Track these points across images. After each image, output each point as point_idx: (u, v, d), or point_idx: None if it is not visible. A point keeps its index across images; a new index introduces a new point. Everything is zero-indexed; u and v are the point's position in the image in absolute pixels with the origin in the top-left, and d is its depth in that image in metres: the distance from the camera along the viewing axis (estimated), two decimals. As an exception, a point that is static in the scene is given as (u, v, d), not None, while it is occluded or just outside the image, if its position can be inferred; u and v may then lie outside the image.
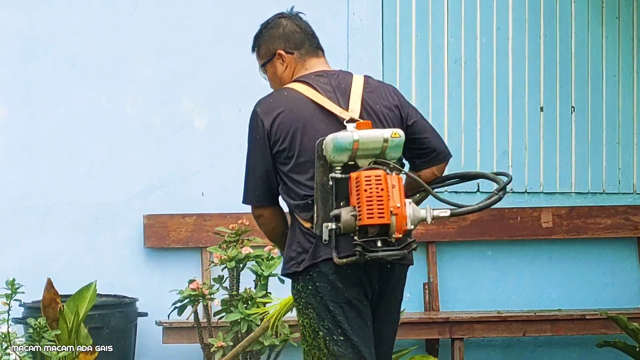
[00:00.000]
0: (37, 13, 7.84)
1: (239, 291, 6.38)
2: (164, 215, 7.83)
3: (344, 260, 4.35)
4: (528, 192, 8.30)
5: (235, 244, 6.42)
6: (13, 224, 7.73)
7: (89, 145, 7.90)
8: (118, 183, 7.86)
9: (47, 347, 6.32)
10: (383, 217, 4.27)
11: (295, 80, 4.75)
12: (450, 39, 8.30)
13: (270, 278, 6.47)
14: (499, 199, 4.61)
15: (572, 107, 8.38)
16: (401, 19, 8.21)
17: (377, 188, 4.28)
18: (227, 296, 6.49)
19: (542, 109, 8.35)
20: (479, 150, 8.28)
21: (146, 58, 7.97)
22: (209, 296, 6.54)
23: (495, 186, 4.69)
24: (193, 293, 6.51)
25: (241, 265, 6.39)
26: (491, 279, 8.24)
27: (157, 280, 7.70)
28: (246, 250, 6.22)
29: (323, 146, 4.37)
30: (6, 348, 6.42)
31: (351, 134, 4.31)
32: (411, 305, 7.82)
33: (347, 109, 4.60)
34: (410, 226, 4.31)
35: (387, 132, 4.38)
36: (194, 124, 7.96)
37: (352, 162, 4.37)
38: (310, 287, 4.53)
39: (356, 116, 4.54)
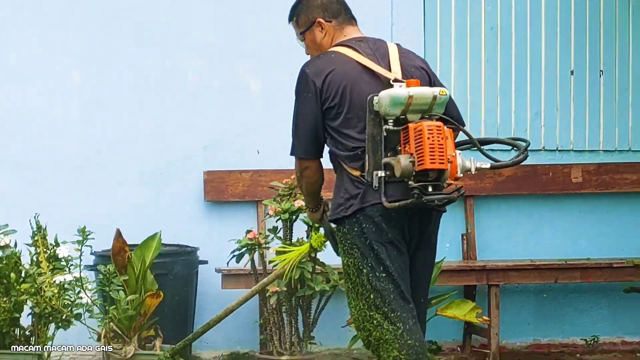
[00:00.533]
0: None
1: (292, 241, 6.44)
2: (223, 172, 7.97)
3: (395, 204, 4.67)
4: (559, 150, 8.42)
5: (288, 197, 6.52)
6: (85, 178, 7.88)
7: (155, 107, 8.04)
8: (180, 141, 8.00)
9: (116, 291, 6.47)
10: (443, 163, 4.57)
11: (338, 44, 5.05)
12: (487, 8, 8.37)
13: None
14: (525, 157, 4.90)
15: (600, 70, 8.52)
16: None
17: (439, 137, 4.59)
18: (281, 245, 6.44)
19: (572, 72, 8.49)
20: (514, 111, 8.39)
21: (206, 27, 8.08)
22: (264, 245, 6.66)
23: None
24: (250, 242, 6.63)
25: (294, 217, 6.46)
26: (525, 231, 8.36)
27: (216, 231, 7.81)
28: (298, 203, 6.27)
29: (376, 101, 4.67)
30: (79, 292, 6.51)
31: (407, 90, 4.60)
32: (450, 254, 7.95)
33: (389, 70, 4.92)
34: (459, 174, 4.63)
35: (436, 90, 4.70)
36: (249, 87, 8.09)
37: (403, 116, 4.68)
38: (356, 229, 4.82)
39: (399, 76, 4.86)
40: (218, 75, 8.17)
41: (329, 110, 4.88)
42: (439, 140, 4.61)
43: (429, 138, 4.59)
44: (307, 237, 5.79)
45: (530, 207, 8.45)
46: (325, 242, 5.61)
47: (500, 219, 8.39)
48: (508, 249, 8.34)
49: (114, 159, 8.00)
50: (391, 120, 4.71)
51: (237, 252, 6.75)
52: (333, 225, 5.34)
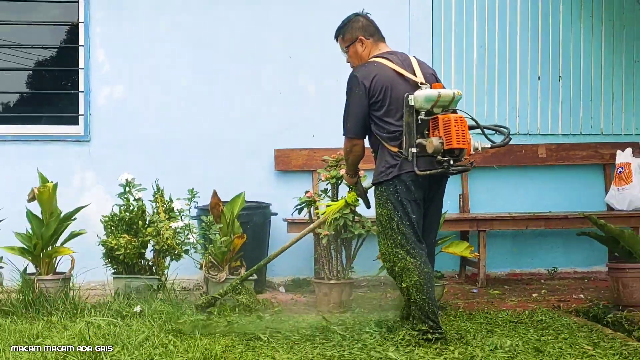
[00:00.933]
0: (205, 13, 8.02)
1: (338, 198, 6.36)
2: (288, 149, 8.00)
3: (426, 172, 4.92)
4: (529, 134, 8.42)
5: (335, 167, 6.46)
6: (193, 153, 7.95)
7: (239, 103, 8.07)
8: (258, 128, 8.01)
9: (213, 234, 6.52)
10: (465, 143, 4.84)
11: (376, 56, 5.22)
12: (478, 30, 8.39)
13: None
14: (510, 140, 5.14)
15: (559, 76, 8.49)
16: (445, 18, 8.32)
17: (462, 125, 4.86)
18: (330, 201, 6.42)
19: (539, 77, 8.48)
20: (497, 105, 8.40)
21: (276, 45, 8.07)
22: (318, 202, 6.61)
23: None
24: (307, 200, 6.63)
25: (339, 181, 6.41)
26: (504, 192, 8.37)
27: (283, 191, 7.78)
28: (342, 171, 6.10)
29: (411, 98, 4.88)
30: (187, 235, 6.60)
31: (437, 90, 4.88)
32: (451, 209, 7.99)
33: (414, 75, 5.07)
34: (472, 151, 4.92)
35: (455, 91, 4.96)
36: (307, 90, 8.12)
37: (431, 110, 4.89)
38: (391, 189, 4.98)
39: (423, 81, 5.05)
40: (285, 81, 8.16)
41: (374, 104, 5.06)
42: (462, 127, 4.87)
43: (455, 126, 4.83)
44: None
45: (508, 175, 8.41)
46: (357, 199, 5.69)
47: (487, 184, 8.34)
48: (492, 204, 8.31)
49: (212, 141, 8.03)
50: (423, 112, 4.91)
51: (298, 207, 6.74)
52: (367, 186, 5.59)
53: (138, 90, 8.01)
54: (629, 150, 8.22)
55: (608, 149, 8.43)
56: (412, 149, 4.90)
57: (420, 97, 4.86)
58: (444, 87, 4.99)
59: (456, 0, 8.38)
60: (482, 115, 8.22)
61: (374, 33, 5.37)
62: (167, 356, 4.10)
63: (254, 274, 6.12)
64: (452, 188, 8.08)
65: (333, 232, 6.30)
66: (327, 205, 6.06)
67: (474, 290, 7.40)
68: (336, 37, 5.50)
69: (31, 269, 6.61)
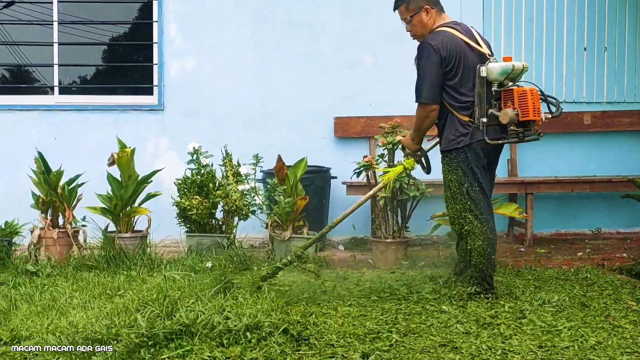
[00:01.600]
0: None
1: (394, 163, 6.36)
2: (346, 117, 7.99)
3: (497, 142, 4.86)
4: (575, 102, 8.25)
5: (391, 134, 6.45)
6: (257, 123, 8.01)
7: (302, 76, 8.07)
8: (319, 97, 8.02)
9: (278, 196, 6.57)
10: (539, 115, 4.81)
11: (443, 26, 5.05)
12: (527, 1, 8.25)
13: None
14: (562, 110, 5.04)
15: (605, 47, 8.32)
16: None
17: (536, 97, 4.81)
18: (386, 166, 6.40)
19: (585, 49, 8.32)
20: (544, 75, 8.24)
21: (335, 21, 8.04)
22: (375, 166, 6.58)
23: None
24: (365, 164, 6.62)
25: (395, 147, 6.36)
26: (551, 157, 8.24)
27: (342, 156, 7.77)
28: (398, 137, 6.08)
29: (485, 69, 4.80)
30: (254, 196, 6.66)
31: (511, 63, 4.79)
32: (500, 173, 7.49)
33: (480, 46, 5.00)
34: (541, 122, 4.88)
35: (524, 64, 4.87)
36: (364, 61, 8.04)
37: (504, 82, 4.85)
38: (462, 156, 4.89)
39: (487, 52, 5.00)
40: (344, 54, 8.12)
41: (448, 72, 4.92)
42: (536, 100, 4.84)
43: (531, 98, 4.76)
44: (403, 160, 5.73)
45: (555, 141, 8.23)
46: (414, 164, 5.54)
47: (534, 149, 8.14)
48: (539, 168, 8.23)
49: (276, 110, 8.07)
50: (496, 84, 4.84)
51: (356, 170, 6.73)
52: (426, 148, 5.43)
53: (206, 64, 8.06)
54: (671, 117, 8.11)
55: (651, 116, 8.33)
56: (483, 118, 4.81)
57: (496, 69, 4.77)
58: (510, 59, 4.88)
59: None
60: (528, 84, 8.06)
61: (437, 3, 5.18)
62: (237, 307, 4.12)
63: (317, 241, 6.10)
64: (502, 154, 7.97)
65: (389, 195, 6.29)
66: (384, 172, 5.94)
67: (522, 249, 7.33)
68: (397, 7, 5.23)
69: (111, 227, 6.76)
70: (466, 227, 4.94)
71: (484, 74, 4.80)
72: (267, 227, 6.69)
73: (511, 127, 4.79)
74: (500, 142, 4.87)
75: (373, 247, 6.63)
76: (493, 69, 4.78)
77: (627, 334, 4.04)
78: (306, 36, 8.09)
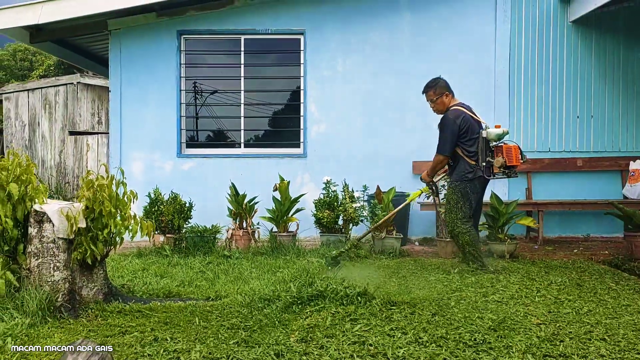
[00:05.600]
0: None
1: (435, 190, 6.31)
2: (420, 161, 7.79)
3: (493, 177, 4.81)
4: (571, 151, 7.88)
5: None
6: (365, 165, 7.85)
7: (393, 134, 7.87)
8: (404, 148, 7.84)
9: (378, 211, 6.44)
10: (519, 162, 4.68)
11: (456, 105, 5.04)
12: (537, 87, 7.92)
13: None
14: (526, 160, 4.99)
15: (591, 115, 7.93)
16: (517, 82, 7.88)
17: (518, 151, 4.68)
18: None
19: (578, 116, 7.92)
20: (549, 134, 7.96)
21: (413, 98, 7.76)
22: (435, 194, 6.49)
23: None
24: (428, 192, 6.47)
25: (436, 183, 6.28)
26: (554, 188, 7.89)
27: (417, 186, 7.44)
28: (435, 179, 5.97)
29: (484, 134, 4.73)
30: (362, 211, 6.59)
31: (501, 129, 4.75)
32: (520, 196, 7.69)
33: (478, 117, 4.92)
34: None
35: (506, 129, 4.78)
36: (432, 126, 7.65)
37: (496, 141, 4.76)
38: (465, 184, 4.84)
39: (482, 121, 4.92)
40: (419, 120, 7.92)
41: (462, 135, 4.91)
42: (518, 152, 4.81)
43: (515, 151, 4.65)
44: (421, 188, 5.77)
45: (558, 176, 7.92)
46: (428, 190, 5.58)
47: (543, 181, 7.89)
48: (547, 194, 7.88)
49: (376, 156, 7.92)
50: (492, 143, 4.84)
51: (425, 194, 6.43)
52: (438, 183, 5.50)
53: (333, 127, 8.00)
54: (638, 161, 7.70)
55: (624, 160, 7.89)
56: (483, 163, 4.85)
57: (493, 133, 4.78)
58: (500, 127, 4.87)
59: (524, 70, 7.95)
60: (540, 140, 7.86)
61: (451, 90, 5.20)
62: (352, 281, 4.19)
63: (399, 234, 6.07)
64: (521, 183, 7.81)
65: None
66: (408, 194, 5.92)
67: (535, 247, 7.09)
68: (426, 92, 5.24)
69: (274, 229, 6.83)
70: (457, 229, 4.90)
71: (484, 135, 4.79)
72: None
73: (501, 169, 4.78)
74: (492, 178, 4.89)
75: (437, 244, 6.51)
76: (491, 132, 4.77)
77: (609, 305, 3.91)
78: (397, 109, 7.95)
